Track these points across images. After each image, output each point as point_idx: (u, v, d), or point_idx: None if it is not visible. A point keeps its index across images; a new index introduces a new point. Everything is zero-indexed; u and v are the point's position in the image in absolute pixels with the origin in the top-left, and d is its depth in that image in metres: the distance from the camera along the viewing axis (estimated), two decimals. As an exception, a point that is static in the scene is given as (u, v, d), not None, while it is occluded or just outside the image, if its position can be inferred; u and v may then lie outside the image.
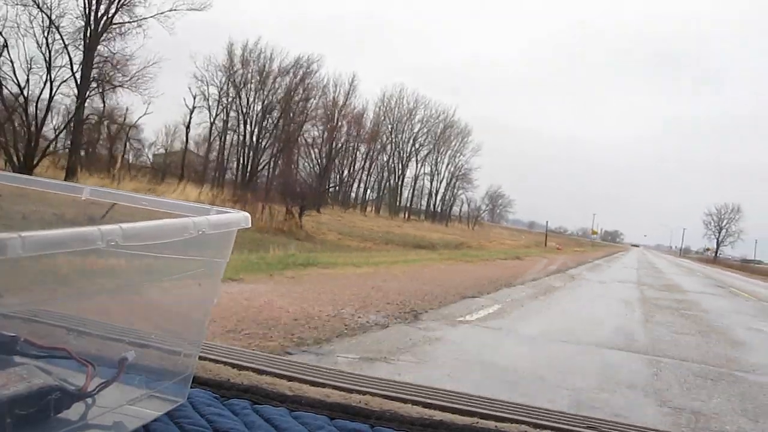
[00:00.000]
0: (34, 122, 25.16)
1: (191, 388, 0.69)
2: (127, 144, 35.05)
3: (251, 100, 37.66)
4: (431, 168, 49.62)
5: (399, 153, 46.52)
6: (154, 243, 0.53)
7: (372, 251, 20.46)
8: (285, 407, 0.71)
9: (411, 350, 5.12)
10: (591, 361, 5.56)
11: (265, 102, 37.74)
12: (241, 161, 38.36)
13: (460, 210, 55.19)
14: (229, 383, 0.75)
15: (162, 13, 27.85)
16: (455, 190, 51.98)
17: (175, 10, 28.18)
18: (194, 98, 37.09)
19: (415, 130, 46.58)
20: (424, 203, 51.75)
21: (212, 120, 37.03)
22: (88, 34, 26.70)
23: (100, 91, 28.39)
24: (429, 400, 0.77)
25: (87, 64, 26.85)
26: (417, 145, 46.66)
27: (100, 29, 26.85)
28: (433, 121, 46.64)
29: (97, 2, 26.93)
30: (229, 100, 37.33)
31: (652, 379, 5.14)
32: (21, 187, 0.73)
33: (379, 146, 44.25)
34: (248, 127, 37.88)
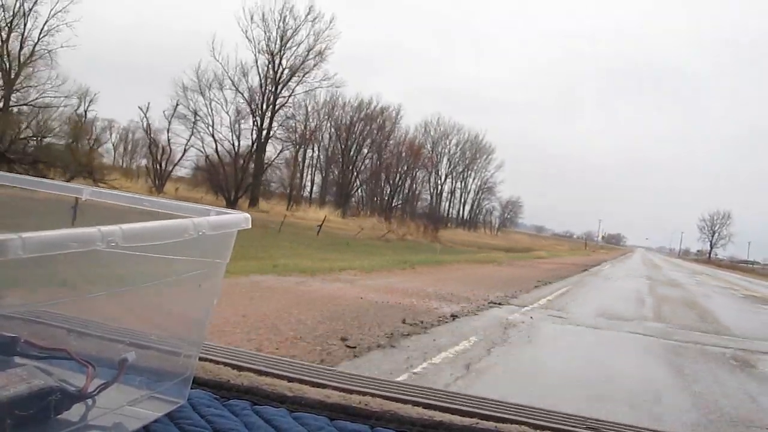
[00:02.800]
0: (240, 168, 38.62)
1: (191, 389, 0.69)
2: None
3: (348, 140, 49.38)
4: (461, 183, 59.15)
5: (437, 171, 56.31)
6: (154, 244, 0.53)
7: (492, 252, 31.92)
8: (285, 408, 0.71)
9: (619, 262, 43.49)
10: (639, 266, 39.06)
11: (359, 141, 50.10)
12: (342, 187, 50.46)
13: (483, 218, 64.35)
14: (229, 384, 0.75)
15: (312, 89, 42.41)
16: (481, 201, 61.81)
17: (320, 87, 42.71)
18: (297, 136, 46.94)
19: (451, 152, 56.81)
20: (448, 212, 60.55)
21: (297, 150, 47.62)
22: (265, 105, 40.22)
23: (284, 146, 43.31)
24: (429, 401, 0.77)
25: (263, 125, 40.36)
26: (452, 165, 56.57)
27: (272, 100, 40.62)
28: (464, 144, 56.76)
29: (275, 84, 40.36)
30: (319, 136, 49.18)
31: (646, 269, 35.64)
32: (21, 188, 0.73)
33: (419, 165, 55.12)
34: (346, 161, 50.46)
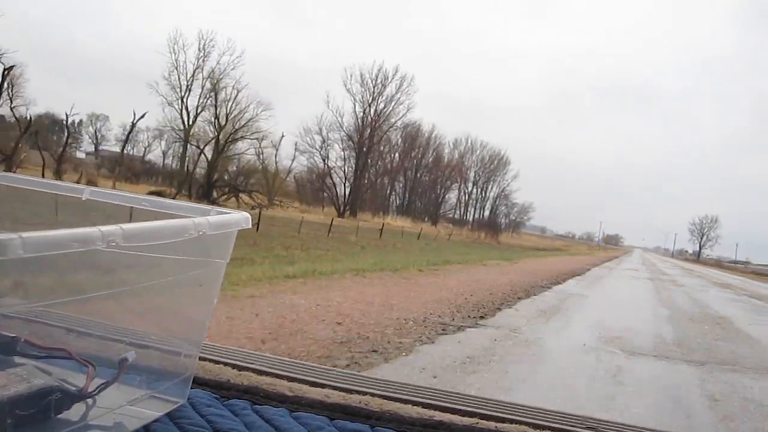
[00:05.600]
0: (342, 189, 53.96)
1: (191, 388, 0.69)
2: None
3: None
4: (482, 192, 70.86)
5: (465, 182, 68.60)
6: (154, 244, 0.53)
7: (542, 250, 49.34)
8: (285, 408, 0.71)
9: (627, 257, 64.74)
10: (639, 258, 64.56)
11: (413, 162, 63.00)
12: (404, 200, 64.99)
13: (499, 221, 74.66)
14: (229, 384, 0.75)
15: (397, 128, 56.58)
16: (498, 207, 73.04)
17: (401, 128, 56.98)
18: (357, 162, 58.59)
19: (477, 166, 68.66)
20: (473, 217, 72.59)
21: (355, 167, 57.63)
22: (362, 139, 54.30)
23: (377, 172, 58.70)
24: (429, 401, 0.77)
25: (361, 157, 54.67)
26: (477, 176, 68.58)
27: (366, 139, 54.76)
28: (488, 159, 68.28)
29: (371, 127, 54.35)
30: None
31: (642, 262, 49.87)
32: (22, 188, 0.73)
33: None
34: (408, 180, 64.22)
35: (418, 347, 6.30)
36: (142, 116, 37.60)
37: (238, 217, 0.65)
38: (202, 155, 38.94)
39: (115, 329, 0.63)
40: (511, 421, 0.74)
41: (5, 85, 26.91)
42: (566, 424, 0.77)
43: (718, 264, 75.23)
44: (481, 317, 8.69)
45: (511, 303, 10.68)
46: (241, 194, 37.78)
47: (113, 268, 0.55)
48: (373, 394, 0.76)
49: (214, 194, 36.59)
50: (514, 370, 5.92)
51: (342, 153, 54.71)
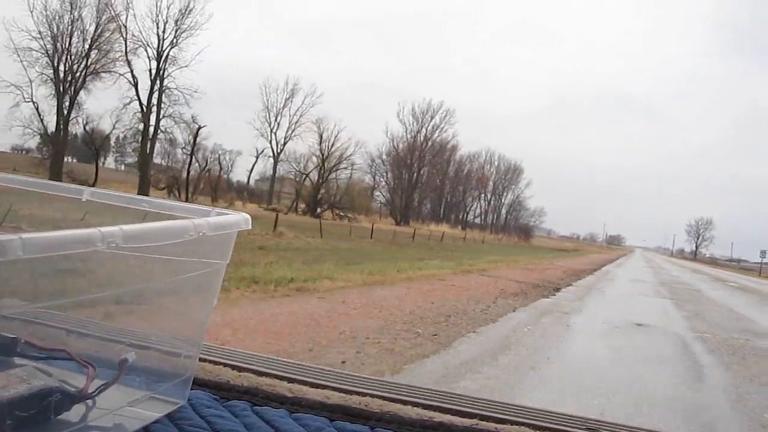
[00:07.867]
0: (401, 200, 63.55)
1: (191, 389, 0.69)
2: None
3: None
4: (499, 200, 79.57)
5: (485, 189, 77.27)
6: (154, 245, 0.53)
7: (564, 251, 57.59)
8: (285, 409, 0.71)
9: (631, 254, 77.85)
10: (642, 256, 73.50)
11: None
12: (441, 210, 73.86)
13: (513, 225, 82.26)
14: (228, 385, 0.75)
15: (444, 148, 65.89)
16: (512, 213, 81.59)
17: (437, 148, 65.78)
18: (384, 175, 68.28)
19: (495, 178, 77.74)
20: (492, 222, 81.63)
21: (407, 183, 65.63)
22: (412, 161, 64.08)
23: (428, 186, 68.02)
24: (429, 402, 0.77)
25: (412, 174, 63.81)
26: (494, 186, 77.51)
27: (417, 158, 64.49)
28: (505, 170, 76.98)
29: (420, 150, 63.73)
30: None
31: (643, 257, 68.27)
32: (23, 189, 0.73)
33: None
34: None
35: (617, 263, 39.75)
36: (262, 151, 49.25)
37: (238, 218, 0.65)
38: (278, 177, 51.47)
39: (115, 330, 0.63)
40: (511, 423, 0.74)
41: (196, 141, 37.80)
42: (566, 425, 0.77)
43: (713, 262, 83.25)
44: (616, 260, 44.31)
45: (610, 263, 36.92)
46: (335, 209, 48.75)
47: (113, 270, 0.55)
48: (372, 395, 0.76)
49: (317, 210, 46.96)
50: (626, 267, 35.20)
51: (397, 172, 64.37)
